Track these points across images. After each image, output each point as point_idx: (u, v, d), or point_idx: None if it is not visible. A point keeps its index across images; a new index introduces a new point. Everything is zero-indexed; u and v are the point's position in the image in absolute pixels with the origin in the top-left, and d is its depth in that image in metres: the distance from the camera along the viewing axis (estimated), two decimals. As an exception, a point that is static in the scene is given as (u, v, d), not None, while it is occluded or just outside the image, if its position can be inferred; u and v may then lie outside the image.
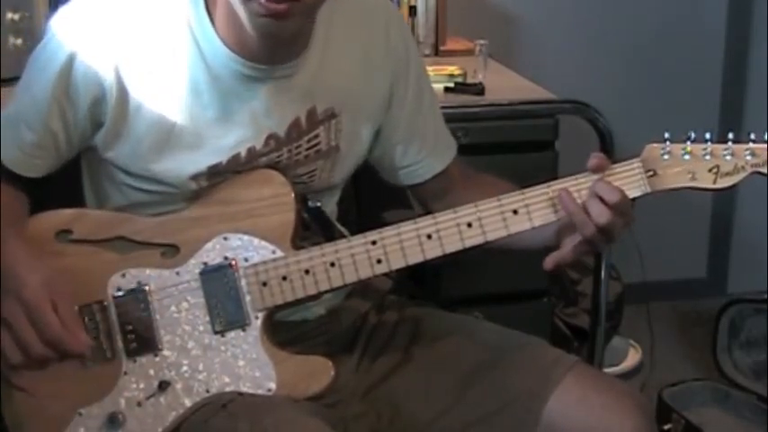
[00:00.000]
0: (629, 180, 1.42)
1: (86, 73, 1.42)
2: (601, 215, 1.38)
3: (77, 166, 1.56)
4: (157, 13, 1.43)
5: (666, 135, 1.42)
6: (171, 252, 1.46)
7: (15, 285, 1.38)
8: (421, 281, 2.08)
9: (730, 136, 1.42)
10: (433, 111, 1.65)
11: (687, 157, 1.42)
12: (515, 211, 1.43)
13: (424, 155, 1.63)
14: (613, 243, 1.44)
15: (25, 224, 1.47)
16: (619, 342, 2.99)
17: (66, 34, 1.43)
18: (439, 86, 2.34)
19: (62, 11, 1.46)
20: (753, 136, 1.41)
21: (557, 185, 1.43)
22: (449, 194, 1.63)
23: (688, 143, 1.42)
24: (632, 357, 3.04)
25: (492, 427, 1.48)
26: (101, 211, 1.50)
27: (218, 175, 1.47)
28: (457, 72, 2.42)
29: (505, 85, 2.45)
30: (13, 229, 1.43)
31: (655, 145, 1.43)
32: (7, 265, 1.39)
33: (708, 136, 1.42)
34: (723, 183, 1.42)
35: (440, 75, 2.41)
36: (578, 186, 1.42)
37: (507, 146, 2.27)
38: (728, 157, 1.42)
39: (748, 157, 1.41)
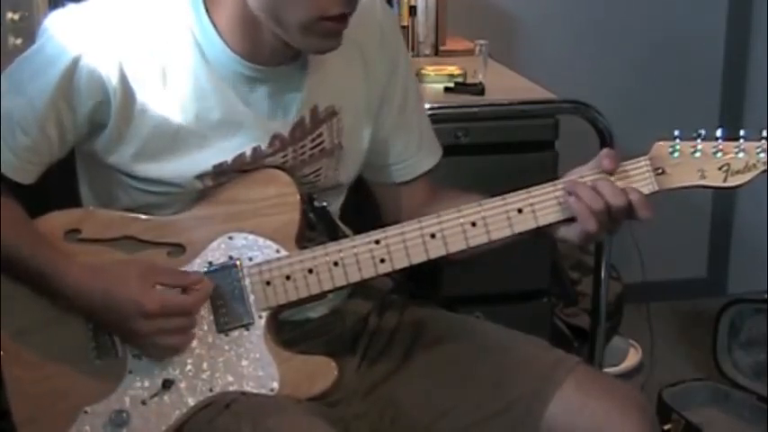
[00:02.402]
0: (636, 178, 1.39)
1: (89, 78, 1.40)
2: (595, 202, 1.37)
3: (71, 169, 1.55)
4: (157, 15, 1.42)
5: (676, 133, 1.39)
6: (177, 251, 1.47)
7: (130, 309, 1.40)
8: (421, 280, 2.08)
9: (741, 133, 1.38)
10: (418, 110, 1.65)
11: (697, 154, 1.39)
12: (520, 210, 1.42)
13: (409, 154, 1.63)
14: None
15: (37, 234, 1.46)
16: (619, 342, 2.99)
17: (66, 38, 1.41)
18: (439, 86, 2.36)
19: (58, 13, 1.44)
20: (765, 133, 1.37)
21: (562, 183, 1.41)
22: (425, 202, 1.62)
23: (698, 140, 1.39)
24: (632, 357, 3.04)
25: (493, 428, 1.48)
26: (108, 211, 1.50)
27: (223, 175, 1.46)
28: (457, 72, 2.42)
29: (505, 85, 2.45)
30: (71, 263, 1.43)
31: (663, 143, 1.40)
32: (106, 297, 1.41)
33: (719, 133, 1.38)
34: (734, 181, 1.38)
35: (440, 75, 2.42)
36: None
37: (507, 146, 2.28)
38: (740, 155, 1.38)
39: (761, 155, 1.37)
